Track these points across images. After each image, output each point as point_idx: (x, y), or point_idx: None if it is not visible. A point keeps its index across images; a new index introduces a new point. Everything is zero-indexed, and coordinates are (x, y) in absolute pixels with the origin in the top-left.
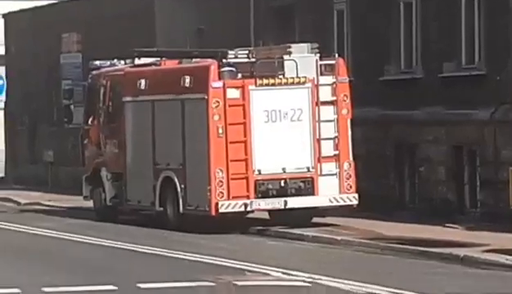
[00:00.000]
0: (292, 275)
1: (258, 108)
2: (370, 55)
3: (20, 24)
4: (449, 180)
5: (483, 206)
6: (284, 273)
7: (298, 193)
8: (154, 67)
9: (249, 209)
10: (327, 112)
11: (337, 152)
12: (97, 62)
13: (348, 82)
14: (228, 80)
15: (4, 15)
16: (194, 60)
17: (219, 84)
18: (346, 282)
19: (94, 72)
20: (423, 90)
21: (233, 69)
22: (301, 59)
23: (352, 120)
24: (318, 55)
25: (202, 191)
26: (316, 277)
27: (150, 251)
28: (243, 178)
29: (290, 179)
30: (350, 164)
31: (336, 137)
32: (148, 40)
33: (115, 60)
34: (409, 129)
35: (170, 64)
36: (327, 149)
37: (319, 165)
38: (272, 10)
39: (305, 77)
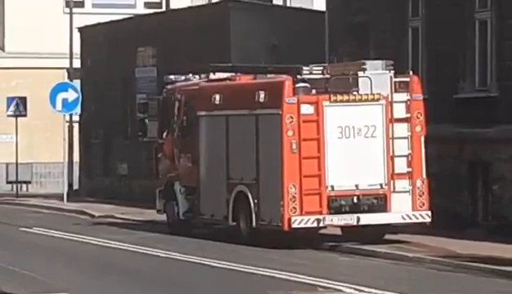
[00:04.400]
0: (364, 292)
1: (332, 124)
2: (444, 73)
3: (96, 37)
4: None
5: None
6: (356, 289)
7: (371, 209)
8: (228, 82)
9: (321, 225)
10: (401, 129)
11: (410, 169)
12: (172, 76)
13: (422, 100)
14: (302, 96)
15: (80, 29)
16: (268, 75)
17: (293, 100)
18: None
19: (169, 86)
20: (497, 108)
21: (307, 84)
22: (375, 75)
23: (425, 137)
24: (393, 72)
25: (275, 206)
26: None
27: (222, 266)
28: (316, 194)
29: (363, 195)
30: (423, 181)
31: (409, 154)
32: (222, 55)
33: (190, 75)
34: (483, 147)
35: (245, 79)
36: (400, 166)
37: (392, 182)
38: (347, 26)
39: (379, 93)
